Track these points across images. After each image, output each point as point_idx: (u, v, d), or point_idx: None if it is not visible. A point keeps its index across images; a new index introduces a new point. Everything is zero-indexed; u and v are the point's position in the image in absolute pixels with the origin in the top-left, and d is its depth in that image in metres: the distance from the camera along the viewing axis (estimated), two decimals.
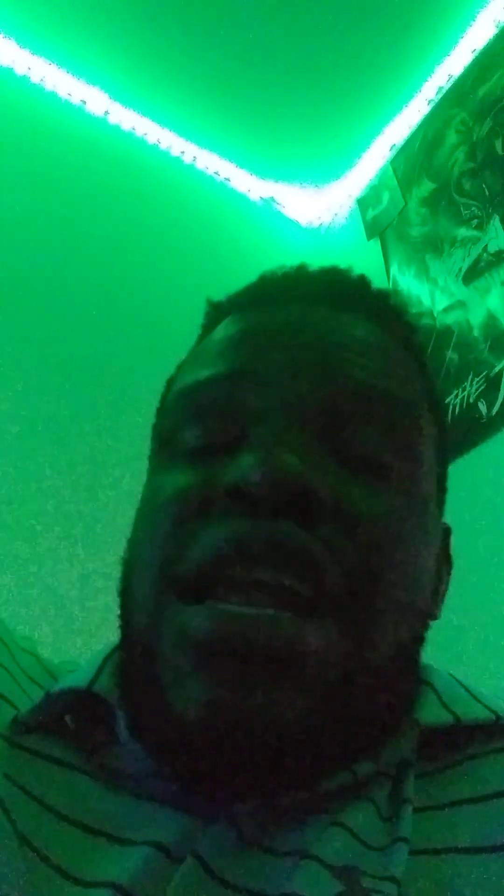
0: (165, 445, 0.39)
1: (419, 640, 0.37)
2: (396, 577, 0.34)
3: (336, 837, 0.29)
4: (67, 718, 0.37)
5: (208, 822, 0.30)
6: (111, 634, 0.38)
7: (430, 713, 0.35)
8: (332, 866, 0.27)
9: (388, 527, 0.34)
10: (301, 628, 0.30)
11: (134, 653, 0.35)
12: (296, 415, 0.35)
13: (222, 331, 0.41)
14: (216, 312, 0.44)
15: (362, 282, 0.44)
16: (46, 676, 0.42)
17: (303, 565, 0.31)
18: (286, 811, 0.31)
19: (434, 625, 0.40)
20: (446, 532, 0.44)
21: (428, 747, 0.34)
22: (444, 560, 0.43)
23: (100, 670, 0.36)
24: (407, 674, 0.36)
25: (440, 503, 0.42)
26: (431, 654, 0.39)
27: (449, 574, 0.43)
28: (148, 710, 0.32)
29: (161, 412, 0.41)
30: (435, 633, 0.39)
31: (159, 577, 0.34)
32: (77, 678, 0.37)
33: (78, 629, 1.01)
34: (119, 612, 0.37)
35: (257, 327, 0.39)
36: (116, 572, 0.38)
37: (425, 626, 0.38)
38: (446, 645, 0.41)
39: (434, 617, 0.40)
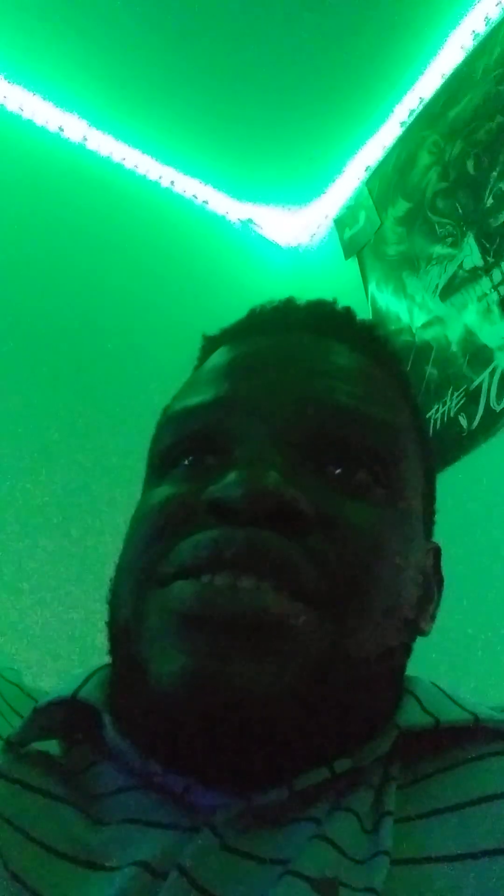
0: (156, 469, 0.40)
1: (404, 649, 0.38)
2: (378, 583, 0.34)
3: (317, 849, 0.29)
4: (52, 745, 0.37)
5: (191, 834, 0.30)
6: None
7: (410, 716, 0.35)
8: (312, 878, 0.27)
9: (370, 536, 0.35)
10: (286, 603, 0.31)
11: (119, 646, 0.36)
12: (279, 436, 0.36)
13: (212, 361, 0.43)
14: (209, 345, 0.46)
15: (347, 313, 0.46)
16: (31, 703, 0.41)
17: (281, 569, 0.32)
18: (266, 815, 0.31)
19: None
20: (437, 552, 0.45)
21: (410, 754, 0.34)
22: (436, 578, 0.44)
23: (84, 682, 0.37)
24: (390, 680, 0.36)
25: (427, 524, 0.44)
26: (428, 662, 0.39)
27: (440, 592, 0.44)
28: (130, 689, 0.33)
29: (154, 439, 0.43)
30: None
31: (141, 577, 0.35)
32: (62, 689, 0.37)
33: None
34: (107, 617, 0.38)
35: (244, 355, 0.41)
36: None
37: (411, 638, 0.39)
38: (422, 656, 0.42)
39: (422, 632, 0.41)
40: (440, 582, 0.45)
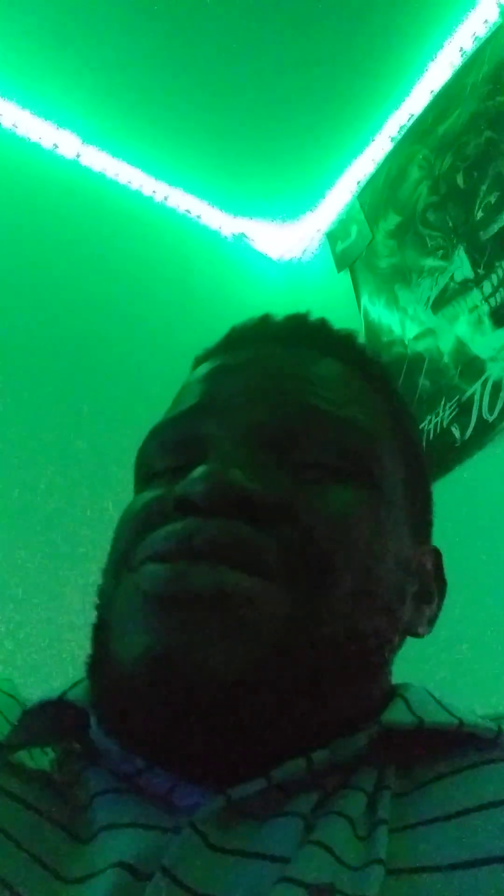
0: (140, 475, 0.43)
1: (386, 641, 0.38)
2: (344, 561, 0.35)
3: (313, 854, 0.29)
4: (45, 761, 0.36)
5: (172, 835, 0.30)
6: None
7: (393, 715, 0.35)
8: (308, 884, 0.27)
9: (337, 518, 0.36)
10: (245, 579, 0.32)
11: (96, 637, 0.36)
12: (250, 437, 0.38)
13: (192, 377, 0.45)
14: (194, 366, 0.48)
15: (322, 324, 0.47)
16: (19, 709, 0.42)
17: (244, 552, 0.33)
18: (247, 810, 0.31)
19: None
20: (437, 555, 0.46)
21: (403, 760, 0.34)
22: (437, 582, 0.45)
23: (75, 683, 0.38)
24: (365, 668, 0.36)
25: (418, 526, 0.44)
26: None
27: (442, 596, 0.44)
28: (101, 675, 0.34)
29: (138, 453, 0.44)
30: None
31: (118, 562, 0.37)
32: (51, 692, 0.38)
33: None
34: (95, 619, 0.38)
35: (220, 367, 0.43)
36: None
37: (393, 630, 0.38)
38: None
39: (418, 634, 0.42)
40: (442, 586, 0.45)
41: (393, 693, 0.38)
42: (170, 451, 0.40)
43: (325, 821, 0.31)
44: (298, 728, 0.32)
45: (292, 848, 0.29)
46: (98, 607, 0.38)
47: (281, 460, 0.37)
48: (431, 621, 0.43)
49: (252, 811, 0.31)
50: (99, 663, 0.35)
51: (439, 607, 0.44)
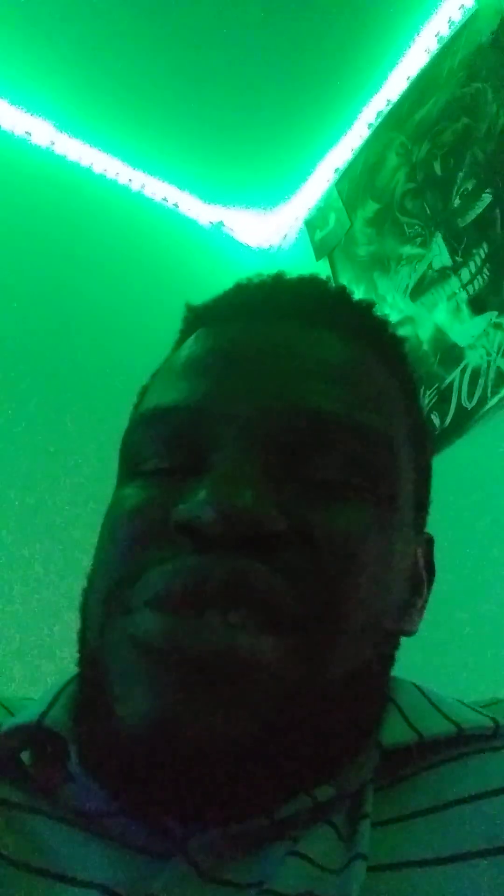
0: (129, 465, 0.38)
1: (386, 659, 0.37)
2: (358, 600, 0.32)
3: (292, 866, 0.28)
4: (24, 756, 0.35)
5: (163, 861, 0.29)
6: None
7: (393, 733, 0.34)
8: (287, 895, 0.27)
9: (349, 544, 0.33)
10: (256, 640, 0.29)
11: (85, 669, 0.34)
12: (257, 444, 0.33)
13: (190, 346, 0.39)
14: (191, 320, 0.43)
15: (341, 295, 0.42)
16: (3, 713, 0.39)
17: (253, 601, 0.30)
18: (244, 841, 0.30)
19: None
20: (429, 542, 0.43)
21: (390, 762, 0.33)
22: (426, 572, 0.42)
23: (52, 703, 0.35)
24: (369, 695, 0.35)
25: (418, 520, 0.41)
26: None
27: (430, 586, 0.42)
28: (96, 728, 0.31)
29: (126, 434, 0.40)
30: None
31: (108, 598, 0.33)
32: (27, 713, 0.35)
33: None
34: (78, 631, 0.36)
35: (219, 350, 0.38)
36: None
37: (394, 645, 0.37)
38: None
39: (407, 633, 0.39)
40: (431, 575, 0.42)
41: (384, 697, 0.37)
42: (164, 445, 0.36)
43: (308, 830, 0.30)
44: (303, 769, 0.31)
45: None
46: (85, 642, 0.35)
47: (292, 474, 0.33)
48: (421, 613, 0.41)
49: (248, 841, 0.30)
50: (93, 710, 0.32)
51: (427, 597, 0.42)
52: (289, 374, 0.36)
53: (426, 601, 0.42)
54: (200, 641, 0.29)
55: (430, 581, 0.42)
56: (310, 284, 0.42)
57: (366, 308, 0.42)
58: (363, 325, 0.41)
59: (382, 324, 0.42)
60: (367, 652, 0.33)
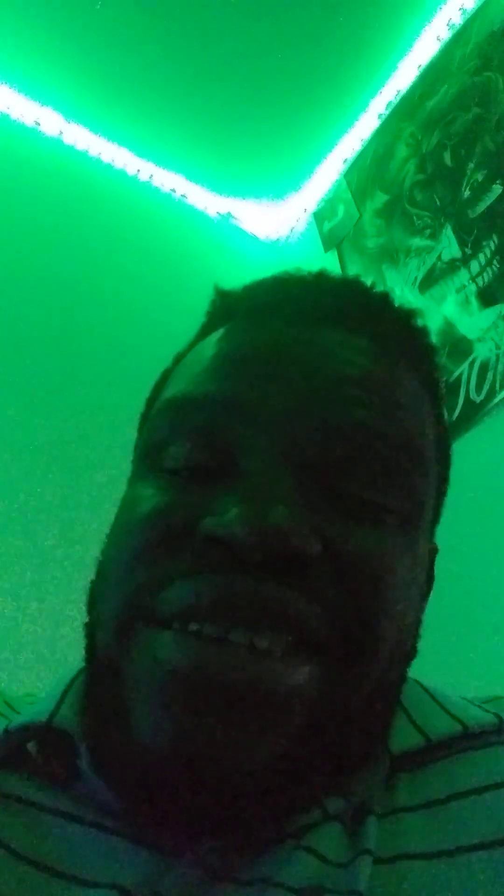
0: (148, 457, 0.36)
1: (404, 673, 0.37)
2: (387, 626, 0.32)
3: (300, 860, 0.28)
4: (30, 746, 0.35)
5: (173, 859, 0.29)
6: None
7: (402, 740, 0.34)
8: (296, 889, 0.27)
9: (381, 575, 0.32)
10: (284, 667, 0.29)
11: (99, 672, 0.34)
12: (290, 454, 0.32)
13: (220, 341, 0.38)
14: (223, 308, 0.41)
15: (383, 301, 0.41)
16: (7, 710, 0.39)
17: (282, 626, 0.29)
18: (252, 845, 0.30)
19: None
20: (432, 551, 0.42)
21: (398, 764, 0.34)
22: (426, 582, 0.41)
23: (60, 701, 0.35)
24: (388, 710, 0.35)
25: (432, 530, 0.41)
26: None
27: (429, 593, 0.41)
28: (113, 740, 0.31)
29: (147, 418, 0.38)
30: None
31: (126, 604, 0.32)
32: (36, 711, 0.35)
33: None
34: (85, 626, 0.36)
35: (256, 348, 0.36)
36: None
37: (412, 658, 0.37)
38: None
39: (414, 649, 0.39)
40: (430, 581, 0.42)
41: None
42: (191, 439, 0.34)
43: (316, 826, 0.30)
44: (319, 785, 0.31)
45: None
46: (96, 640, 0.34)
47: (325, 488, 0.32)
48: (420, 624, 0.40)
49: (259, 844, 0.30)
50: (109, 719, 0.31)
51: (426, 604, 0.41)
52: (321, 380, 0.34)
53: (424, 608, 0.41)
54: (227, 669, 0.28)
55: (430, 588, 0.42)
56: (353, 288, 0.41)
57: (407, 316, 0.41)
58: (403, 334, 0.40)
59: (422, 333, 0.42)
60: (393, 673, 0.34)
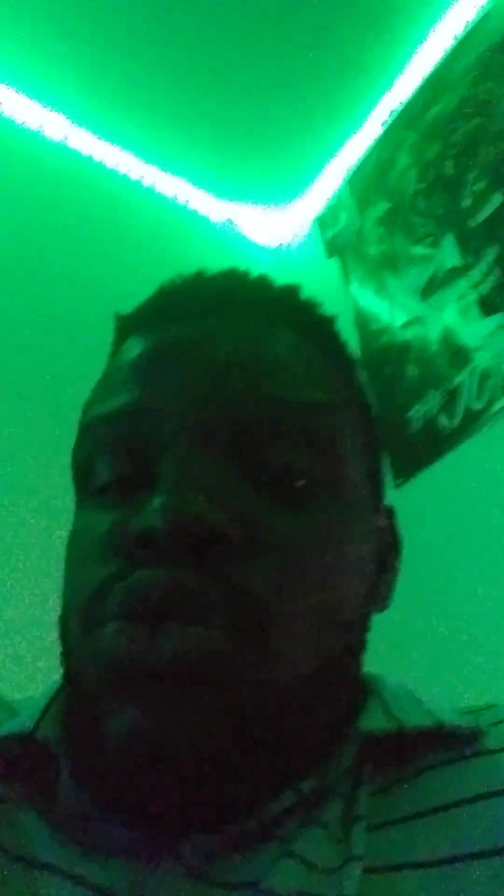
0: (80, 479, 0.38)
1: (355, 645, 0.37)
2: (309, 601, 0.33)
3: (287, 866, 0.29)
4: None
5: (155, 866, 0.30)
6: None
7: (372, 721, 0.34)
8: (280, 895, 0.27)
9: (301, 551, 0.33)
10: (207, 638, 0.29)
11: (72, 685, 0.35)
12: (202, 441, 0.34)
13: (125, 353, 0.40)
14: (122, 329, 0.44)
15: (262, 282, 0.43)
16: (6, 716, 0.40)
17: (199, 609, 0.30)
18: (234, 841, 0.30)
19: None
20: (390, 513, 0.43)
21: (377, 760, 0.34)
22: (392, 542, 0.42)
23: (44, 712, 0.36)
24: (341, 684, 0.35)
25: (375, 495, 0.41)
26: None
27: (398, 557, 0.42)
28: (84, 745, 0.32)
29: (74, 448, 0.40)
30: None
31: (81, 617, 0.33)
32: (19, 722, 0.36)
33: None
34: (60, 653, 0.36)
35: (157, 350, 0.38)
36: None
37: (363, 628, 0.38)
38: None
39: (380, 609, 0.40)
40: (397, 544, 0.42)
41: (367, 686, 0.38)
42: (109, 454, 0.36)
43: (301, 832, 0.30)
44: (284, 765, 0.31)
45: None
46: (66, 656, 0.35)
47: (238, 467, 0.34)
48: (391, 590, 0.41)
49: (239, 841, 0.30)
50: (79, 730, 0.33)
51: (397, 571, 0.42)
52: (221, 369, 0.36)
53: (397, 572, 0.42)
54: (156, 650, 0.29)
55: (397, 552, 0.42)
56: (230, 278, 0.43)
57: (288, 292, 0.43)
58: (289, 307, 0.42)
59: (306, 305, 0.43)
60: (331, 645, 0.33)
